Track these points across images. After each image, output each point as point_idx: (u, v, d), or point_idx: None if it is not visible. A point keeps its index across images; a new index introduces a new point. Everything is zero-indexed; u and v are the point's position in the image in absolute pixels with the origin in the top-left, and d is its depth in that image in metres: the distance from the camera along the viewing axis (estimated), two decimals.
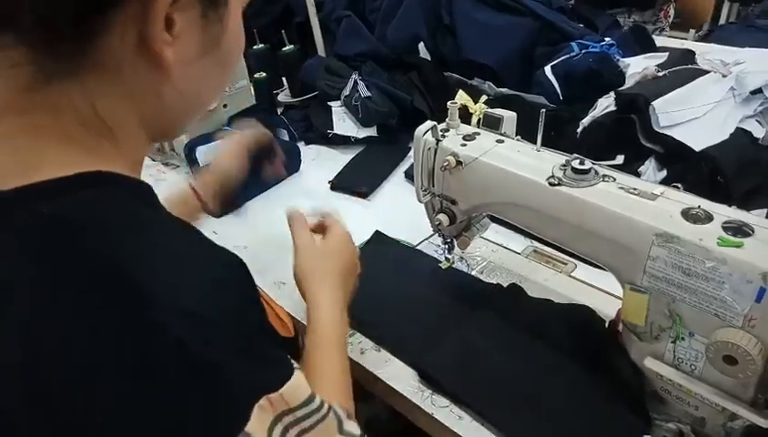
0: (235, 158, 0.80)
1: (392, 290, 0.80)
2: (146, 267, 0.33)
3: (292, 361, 0.39)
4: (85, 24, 0.34)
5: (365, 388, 0.70)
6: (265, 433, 0.34)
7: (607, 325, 0.70)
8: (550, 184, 0.61)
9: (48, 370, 0.30)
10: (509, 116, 0.76)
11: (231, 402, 0.33)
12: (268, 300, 0.79)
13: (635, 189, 0.58)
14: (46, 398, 0.30)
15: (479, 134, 0.71)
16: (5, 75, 0.35)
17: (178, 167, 1.21)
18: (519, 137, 0.71)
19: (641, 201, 0.56)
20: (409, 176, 1.10)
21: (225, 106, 1.16)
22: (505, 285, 0.80)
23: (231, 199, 0.81)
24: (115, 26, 0.34)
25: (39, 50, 0.34)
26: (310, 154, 1.23)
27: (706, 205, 0.54)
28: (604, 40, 1.15)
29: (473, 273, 0.85)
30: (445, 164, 0.68)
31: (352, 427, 0.43)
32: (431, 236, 0.83)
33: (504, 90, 1.17)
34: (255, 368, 0.35)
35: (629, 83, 1.02)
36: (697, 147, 0.85)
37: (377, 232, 0.92)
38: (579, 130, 0.98)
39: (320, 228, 0.70)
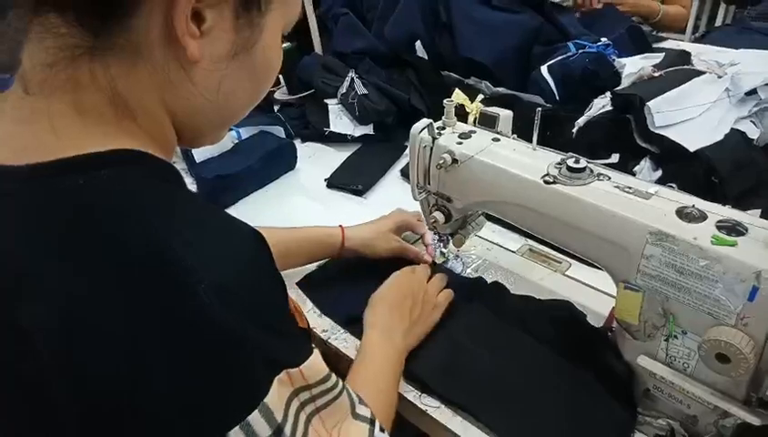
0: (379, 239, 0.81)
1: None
2: (178, 243, 0.33)
3: (312, 342, 0.41)
4: (112, 2, 0.34)
5: None
6: (283, 406, 0.35)
7: (602, 324, 0.70)
8: (546, 182, 0.61)
9: (88, 357, 0.31)
10: (505, 115, 0.76)
11: (254, 374, 0.34)
12: None
13: (630, 188, 0.58)
14: (88, 387, 0.31)
15: (475, 132, 0.71)
16: (31, 49, 0.35)
17: (174, 162, 1.21)
18: (515, 135, 0.71)
19: (636, 200, 0.56)
20: (405, 174, 1.10)
21: None
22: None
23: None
24: (142, 11, 0.35)
25: (69, 26, 0.34)
26: (307, 152, 1.22)
27: (700, 204, 0.54)
28: (601, 40, 1.16)
29: (468, 271, 0.85)
30: (441, 162, 0.68)
31: (364, 411, 0.44)
32: None
33: (501, 89, 1.17)
34: (279, 343, 0.36)
35: (625, 83, 1.02)
36: (692, 148, 0.86)
37: None
38: (575, 130, 0.99)
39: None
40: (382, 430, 0.45)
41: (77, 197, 0.34)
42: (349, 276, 0.81)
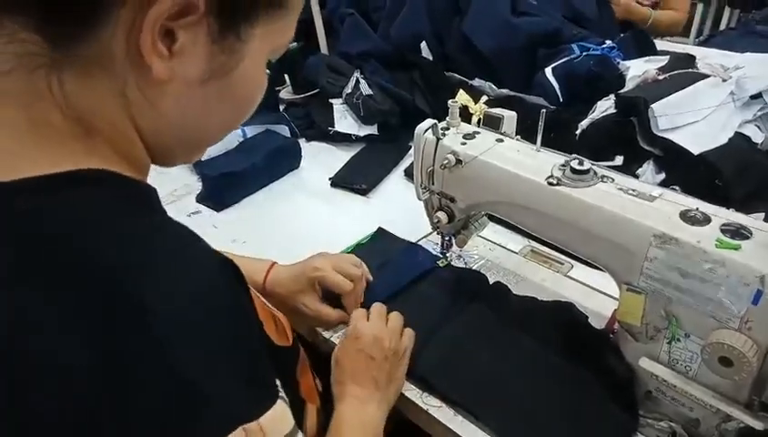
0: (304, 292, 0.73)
1: (390, 288, 0.80)
2: (134, 274, 0.32)
3: (278, 389, 0.36)
4: (77, 11, 0.32)
5: None
6: None
7: (604, 326, 0.70)
8: (549, 184, 0.61)
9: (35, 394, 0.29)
10: (509, 116, 0.77)
11: (204, 428, 0.31)
12: (266, 305, 0.77)
13: (634, 190, 0.58)
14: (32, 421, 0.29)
15: (479, 133, 0.71)
16: None
17: None
18: (518, 137, 0.71)
19: (640, 202, 0.56)
20: (408, 174, 1.11)
21: None
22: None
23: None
24: (108, 24, 0.33)
25: (30, 33, 0.33)
26: (311, 151, 1.23)
27: (704, 207, 0.54)
28: (605, 43, 1.16)
29: None
30: (445, 162, 0.68)
31: None
32: (430, 234, 0.84)
33: (505, 91, 1.17)
34: (237, 391, 0.33)
35: (629, 86, 1.02)
36: (696, 151, 0.86)
37: (379, 229, 0.92)
38: (578, 132, 0.99)
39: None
40: None
41: (31, 221, 0.32)
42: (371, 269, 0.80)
